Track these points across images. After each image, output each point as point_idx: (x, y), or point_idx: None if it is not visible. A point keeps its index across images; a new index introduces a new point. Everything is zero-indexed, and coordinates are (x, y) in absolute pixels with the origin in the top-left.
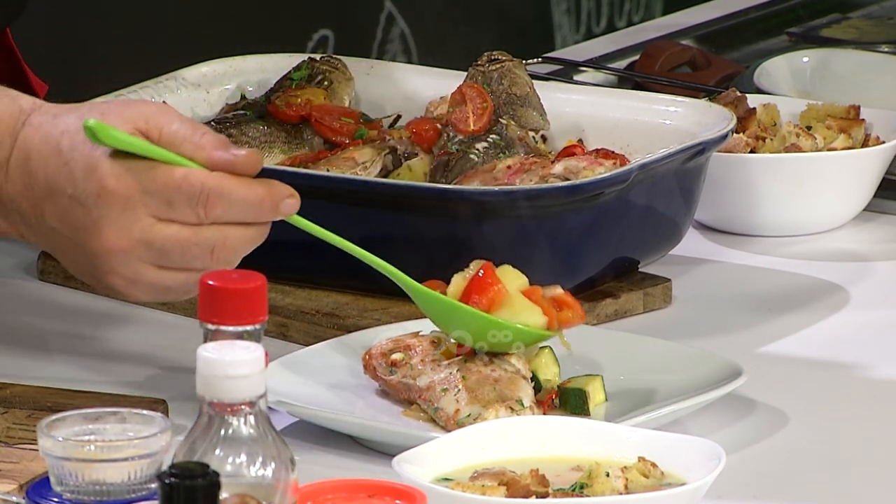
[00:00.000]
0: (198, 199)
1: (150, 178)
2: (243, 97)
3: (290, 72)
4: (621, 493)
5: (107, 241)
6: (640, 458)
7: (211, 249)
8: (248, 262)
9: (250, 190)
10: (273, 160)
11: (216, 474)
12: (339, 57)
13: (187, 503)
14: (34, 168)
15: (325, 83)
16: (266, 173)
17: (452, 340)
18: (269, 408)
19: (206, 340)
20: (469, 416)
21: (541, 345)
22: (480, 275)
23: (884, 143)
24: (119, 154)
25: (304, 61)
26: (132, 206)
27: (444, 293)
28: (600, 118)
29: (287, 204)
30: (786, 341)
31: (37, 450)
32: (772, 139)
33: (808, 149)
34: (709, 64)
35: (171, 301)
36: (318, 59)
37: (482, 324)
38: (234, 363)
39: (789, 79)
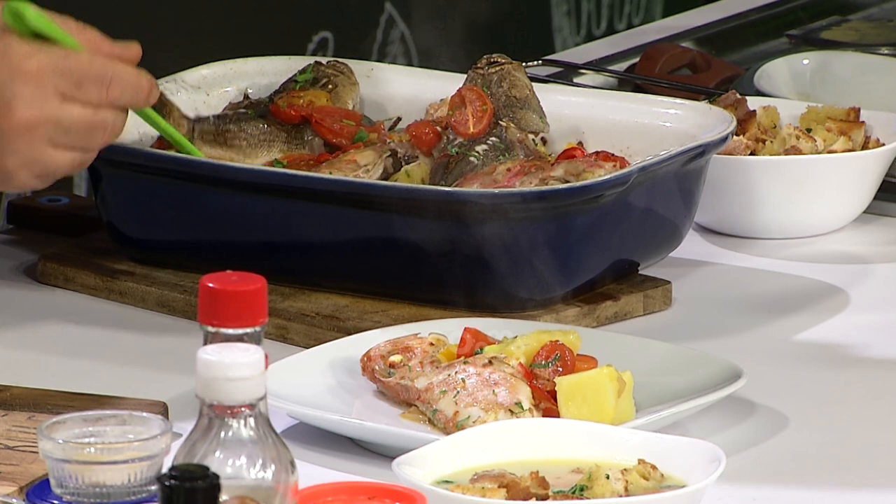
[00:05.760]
0: (102, 80)
1: (61, 57)
2: (246, 97)
3: (295, 74)
4: (621, 496)
5: (20, 118)
6: (640, 461)
7: (105, 129)
8: (249, 265)
9: (139, 76)
10: (273, 158)
11: (216, 476)
12: (344, 61)
13: None
14: None
15: (330, 87)
16: (269, 175)
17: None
18: (269, 410)
19: (206, 342)
20: (468, 418)
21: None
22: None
23: (884, 145)
24: (29, 38)
25: (309, 64)
26: (44, 84)
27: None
28: (600, 120)
29: (154, 93)
30: (786, 343)
31: (37, 452)
32: (772, 141)
33: (808, 151)
34: (709, 66)
35: (44, 185)
36: (324, 63)
37: None
38: (235, 365)
39: (789, 81)
